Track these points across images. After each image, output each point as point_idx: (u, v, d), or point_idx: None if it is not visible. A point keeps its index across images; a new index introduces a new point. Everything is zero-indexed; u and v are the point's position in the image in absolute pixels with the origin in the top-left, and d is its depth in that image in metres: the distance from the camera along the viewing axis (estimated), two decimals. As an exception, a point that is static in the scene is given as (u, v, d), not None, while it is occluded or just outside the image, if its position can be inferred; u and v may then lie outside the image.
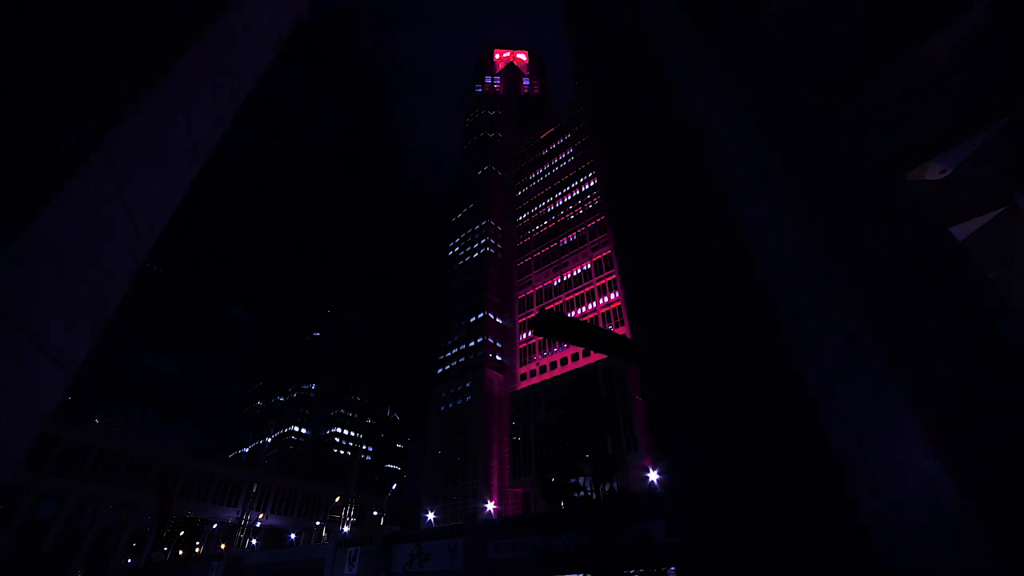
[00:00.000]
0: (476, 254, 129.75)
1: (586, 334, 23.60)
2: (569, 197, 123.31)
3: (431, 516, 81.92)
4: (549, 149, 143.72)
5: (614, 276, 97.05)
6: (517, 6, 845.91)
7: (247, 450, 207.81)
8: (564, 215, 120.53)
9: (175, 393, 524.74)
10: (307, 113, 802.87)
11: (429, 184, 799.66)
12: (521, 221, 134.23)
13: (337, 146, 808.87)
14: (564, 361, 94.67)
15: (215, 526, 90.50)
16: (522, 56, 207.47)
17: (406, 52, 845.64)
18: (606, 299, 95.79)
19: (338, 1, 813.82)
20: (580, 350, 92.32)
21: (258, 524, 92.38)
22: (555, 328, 22.55)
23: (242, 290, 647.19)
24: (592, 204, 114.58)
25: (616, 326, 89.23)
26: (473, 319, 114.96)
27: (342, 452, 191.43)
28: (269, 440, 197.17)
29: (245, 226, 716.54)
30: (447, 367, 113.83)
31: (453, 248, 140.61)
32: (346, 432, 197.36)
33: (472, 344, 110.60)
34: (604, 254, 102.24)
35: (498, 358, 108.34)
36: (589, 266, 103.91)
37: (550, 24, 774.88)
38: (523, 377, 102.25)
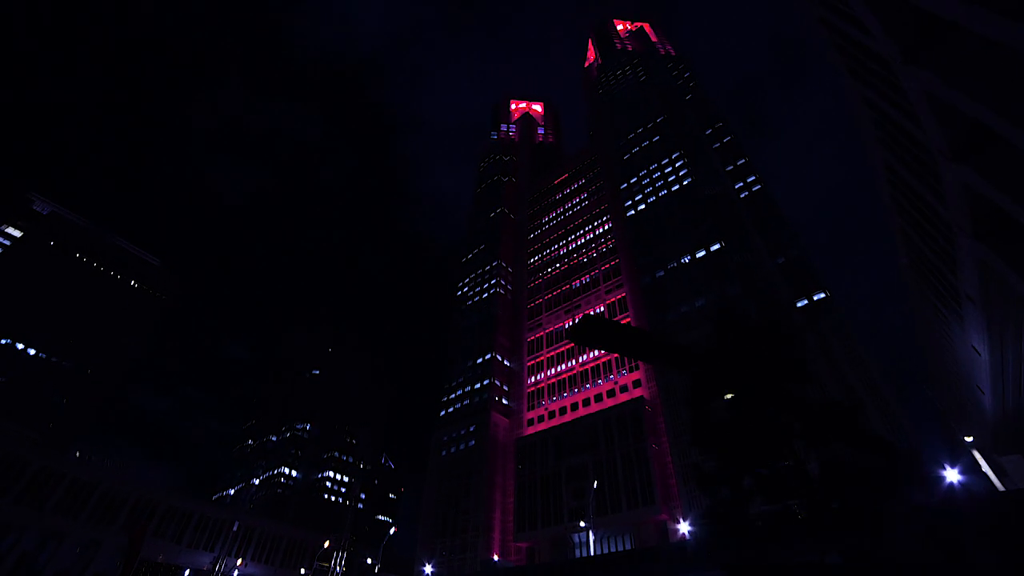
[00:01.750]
0: (485, 295, 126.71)
1: (639, 342, 20.00)
2: (582, 240, 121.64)
3: (428, 570, 74.44)
4: (563, 194, 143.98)
5: (629, 319, 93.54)
6: (531, 62, 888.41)
7: (232, 491, 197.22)
8: (577, 258, 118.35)
9: (163, 430, 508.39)
10: (319, 155, 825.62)
11: (437, 229, 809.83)
12: (532, 264, 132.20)
13: (347, 188, 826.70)
14: (575, 406, 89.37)
15: (187, 573, 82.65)
16: (538, 107, 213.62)
17: (420, 102, 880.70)
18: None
19: (356, 51, 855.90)
20: (592, 394, 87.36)
21: (236, 573, 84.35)
22: (600, 336, 18.99)
23: (243, 326, 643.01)
24: (606, 247, 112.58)
25: (630, 370, 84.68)
26: (480, 360, 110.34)
27: (333, 498, 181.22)
28: (257, 482, 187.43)
29: (250, 262, 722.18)
30: (450, 409, 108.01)
31: (462, 288, 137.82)
32: (339, 477, 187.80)
33: (478, 386, 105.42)
34: (619, 296, 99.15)
35: (504, 402, 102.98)
36: (602, 308, 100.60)
37: (563, 78, 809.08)
38: (530, 423, 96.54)
